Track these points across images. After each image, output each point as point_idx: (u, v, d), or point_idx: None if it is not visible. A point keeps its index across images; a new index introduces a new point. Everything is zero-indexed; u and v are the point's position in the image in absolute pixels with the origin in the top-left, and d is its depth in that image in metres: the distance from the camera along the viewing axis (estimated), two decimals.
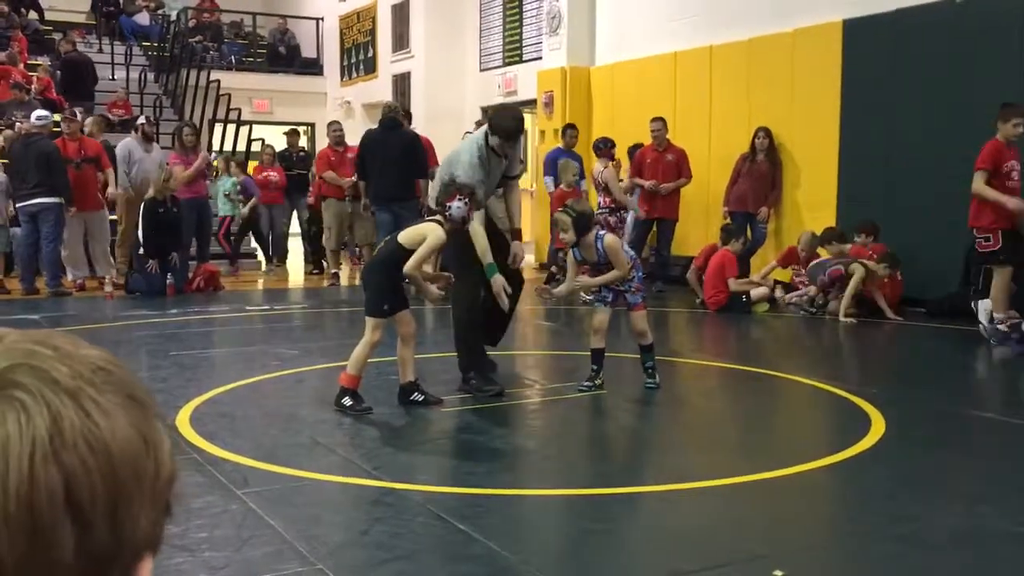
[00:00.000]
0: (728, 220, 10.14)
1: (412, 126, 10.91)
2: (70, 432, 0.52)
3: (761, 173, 10.11)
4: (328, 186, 11.46)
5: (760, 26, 10.51)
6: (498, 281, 5.23)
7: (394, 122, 9.71)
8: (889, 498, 3.70)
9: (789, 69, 10.17)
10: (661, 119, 10.59)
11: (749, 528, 3.40)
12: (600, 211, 9.98)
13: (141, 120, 11.77)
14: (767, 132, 10.07)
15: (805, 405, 5.71)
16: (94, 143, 10.86)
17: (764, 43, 10.46)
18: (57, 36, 17.26)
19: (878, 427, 4.66)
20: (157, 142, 11.56)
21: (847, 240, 8.99)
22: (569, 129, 11.40)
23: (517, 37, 14.92)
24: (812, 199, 9.98)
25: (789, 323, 8.79)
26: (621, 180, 10.70)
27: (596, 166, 10.53)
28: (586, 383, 5.46)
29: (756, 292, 9.14)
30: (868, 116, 9.37)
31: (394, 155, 9.42)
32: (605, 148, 10.54)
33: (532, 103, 13.91)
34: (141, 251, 10.13)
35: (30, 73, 14.34)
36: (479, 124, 10.62)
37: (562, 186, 10.42)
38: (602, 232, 5.55)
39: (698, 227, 11.04)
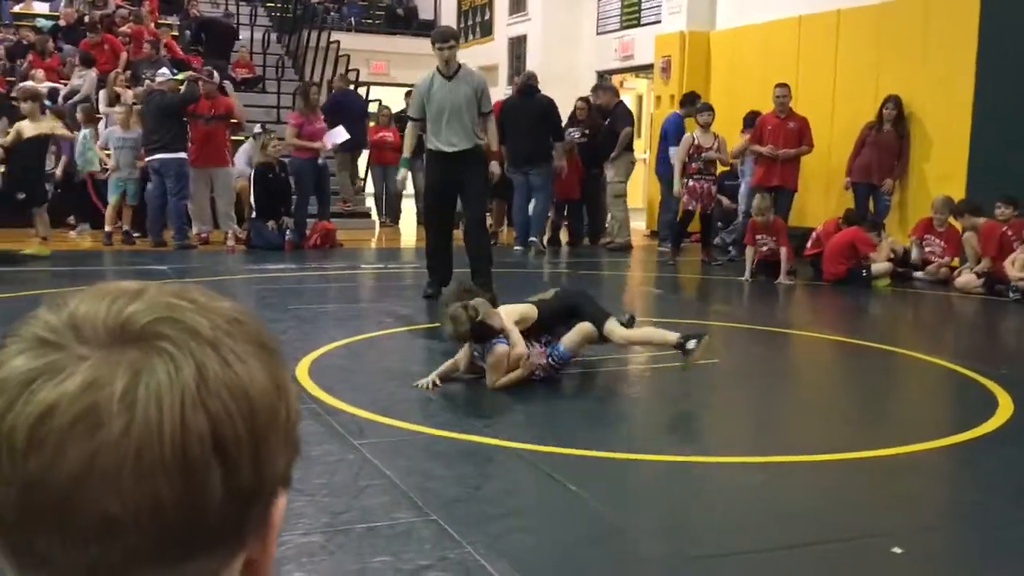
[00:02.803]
0: (849, 190, 9.86)
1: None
2: (214, 380, 0.55)
3: (887, 144, 9.76)
4: None
5: None
6: (401, 173, 7.59)
7: (532, 89, 10.28)
8: (1018, 482, 3.57)
9: (922, 36, 9.75)
10: (786, 85, 10.29)
11: (866, 505, 3.32)
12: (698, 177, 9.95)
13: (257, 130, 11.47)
14: (896, 102, 9.69)
15: (926, 383, 5.53)
16: (227, 101, 11.12)
17: (895, 8, 10.05)
18: None
19: (1005, 408, 4.48)
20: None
21: (982, 213, 8.60)
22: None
23: (636, 0, 14.68)
24: (940, 171, 9.60)
25: (911, 298, 8.51)
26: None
27: (696, 134, 10.20)
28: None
29: (877, 267, 8.84)
30: (1005, 87, 8.93)
31: (531, 121, 9.88)
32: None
33: (649, 68, 13.71)
34: (254, 214, 10.45)
35: (158, 31, 14.78)
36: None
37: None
38: (495, 343, 4.64)
39: (818, 198, 10.74)
